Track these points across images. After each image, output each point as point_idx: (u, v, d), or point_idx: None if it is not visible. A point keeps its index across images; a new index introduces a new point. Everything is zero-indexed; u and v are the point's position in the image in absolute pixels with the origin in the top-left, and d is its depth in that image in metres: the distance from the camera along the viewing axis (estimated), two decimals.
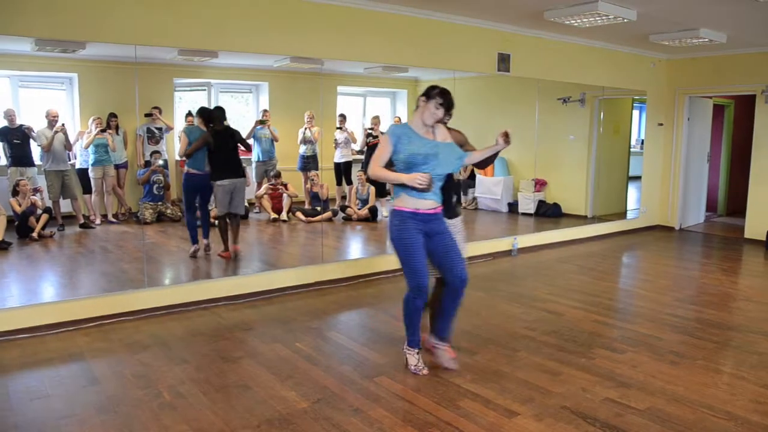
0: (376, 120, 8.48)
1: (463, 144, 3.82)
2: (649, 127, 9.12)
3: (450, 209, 3.84)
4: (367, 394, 3.41)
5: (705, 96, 9.18)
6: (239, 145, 6.15)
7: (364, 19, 5.72)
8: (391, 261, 6.33)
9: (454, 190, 3.92)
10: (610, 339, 4.35)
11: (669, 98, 9.03)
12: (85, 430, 2.99)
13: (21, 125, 6.52)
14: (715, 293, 5.67)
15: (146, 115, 7.04)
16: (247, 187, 7.84)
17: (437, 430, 3.01)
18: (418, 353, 3.72)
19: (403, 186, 3.43)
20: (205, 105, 7.69)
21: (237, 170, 6.09)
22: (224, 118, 6.06)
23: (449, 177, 3.75)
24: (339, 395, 3.41)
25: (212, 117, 6.02)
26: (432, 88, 3.53)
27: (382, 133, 8.30)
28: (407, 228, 3.46)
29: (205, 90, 7.77)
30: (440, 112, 3.49)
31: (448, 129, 3.73)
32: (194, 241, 6.08)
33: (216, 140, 5.91)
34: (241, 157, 6.27)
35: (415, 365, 3.69)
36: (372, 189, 8.37)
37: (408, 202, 3.47)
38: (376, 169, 3.46)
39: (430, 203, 3.50)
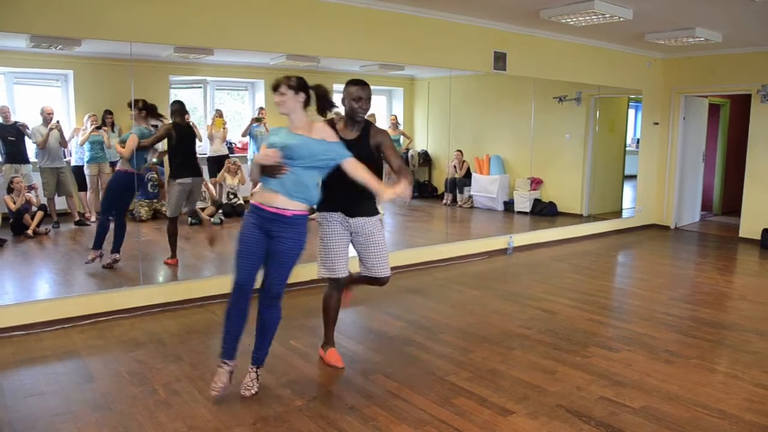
0: (371, 118, 8.47)
1: (379, 146, 3.62)
2: (645, 126, 9.14)
3: (354, 205, 3.65)
4: (362, 392, 3.41)
5: (700, 95, 9.20)
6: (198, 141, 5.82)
7: (360, 17, 5.72)
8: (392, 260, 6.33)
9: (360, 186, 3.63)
10: (605, 338, 4.36)
11: (664, 97, 9.05)
12: (80, 428, 2.99)
13: (15, 122, 6.50)
14: (710, 292, 5.69)
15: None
16: (242, 185, 7.85)
17: (432, 428, 3.01)
18: (224, 366, 3.34)
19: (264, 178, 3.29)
20: (201, 102, 7.64)
21: (197, 168, 5.87)
22: (185, 113, 5.80)
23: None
24: (334, 393, 3.41)
25: (172, 111, 5.74)
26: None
27: None
28: (245, 223, 3.34)
29: (200, 87, 7.75)
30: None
31: (379, 129, 3.67)
32: (98, 246, 5.57)
33: (178, 135, 5.68)
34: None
35: (217, 382, 3.29)
36: None
37: (256, 196, 3.34)
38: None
39: (275, 200, 3.24)
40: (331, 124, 3.56)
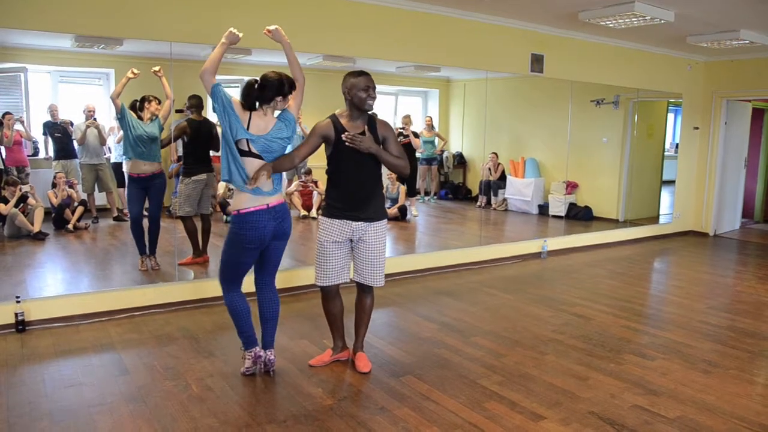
0: (407, 119, 8.47)
1: (386, 140, 3.57)
2: (685, 131, 8.96)
3: (357, 208, 3.56)
4: (392, 393, 3.42)
5: (743, 99, 8.98)
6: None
7: (397, 18, 5.72)
8: (419, 261, 6.34)
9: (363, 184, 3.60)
10: (639, 345, 4.29)
11: (705, 101, 8.85)
12: (115, 419, 3.05)
13: (61, 120, 6.67)
14: (749, 301, 5.54)
15: (177, 111, 7.11)
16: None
17: (462, 431, 3.00)
18: (248, 354, 3.62)
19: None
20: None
21: (210, 164, 5.77)
22: (202, 107, 5.76)
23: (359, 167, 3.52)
24: (365, 393, 3.42)
25: (190, 105, 5.72)
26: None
27: (413, 132, 8.29)
28: None
29: (238, 87, 7.83)
30: None
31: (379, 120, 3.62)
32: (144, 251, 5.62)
33: (192, 131, 5.66)
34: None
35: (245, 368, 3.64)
36: (402, 188, 8.37)
37: None
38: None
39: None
40: (335, 118, 3.53)
